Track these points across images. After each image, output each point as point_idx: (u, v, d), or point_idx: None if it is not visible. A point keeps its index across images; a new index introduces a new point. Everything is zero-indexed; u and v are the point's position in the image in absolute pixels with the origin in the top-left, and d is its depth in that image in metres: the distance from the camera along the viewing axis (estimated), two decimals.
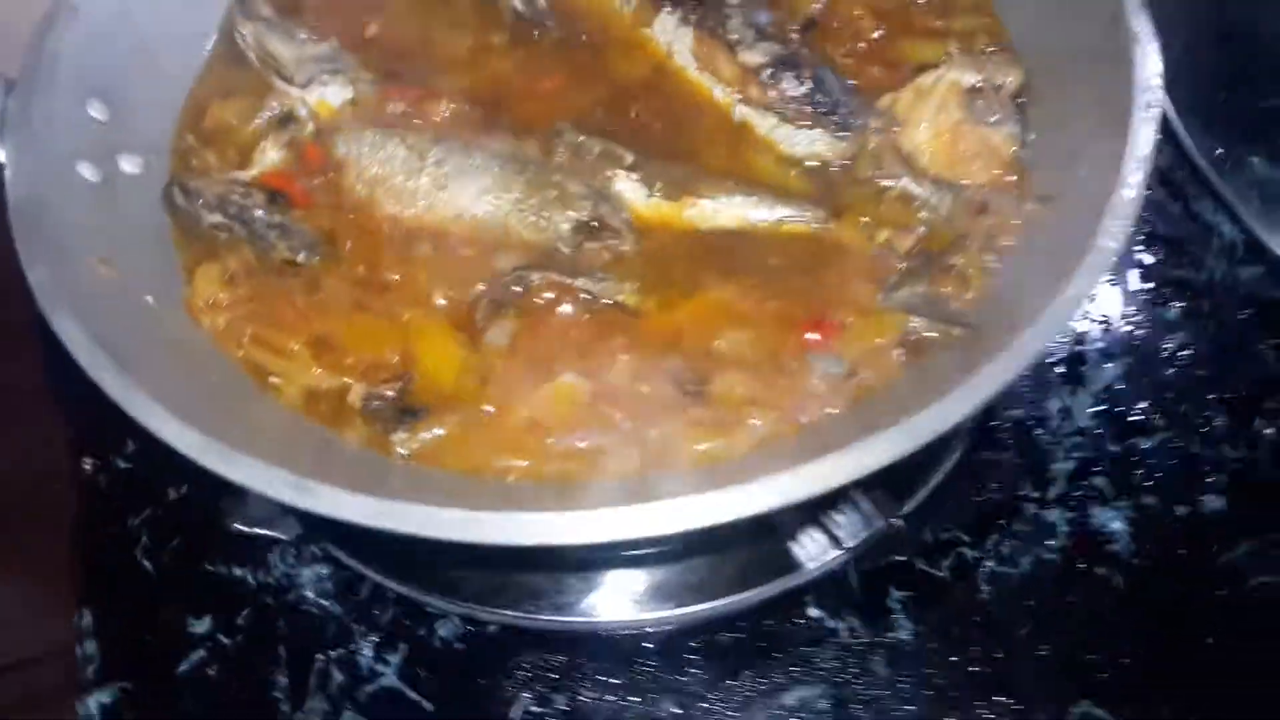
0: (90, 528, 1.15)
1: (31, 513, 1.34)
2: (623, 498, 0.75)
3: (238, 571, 1.11)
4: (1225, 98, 1.33)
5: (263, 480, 0.73)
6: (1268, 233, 1.23)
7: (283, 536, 1.07)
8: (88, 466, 1.18)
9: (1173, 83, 1.28)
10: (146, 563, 1.12)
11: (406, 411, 0.90)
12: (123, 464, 1.19)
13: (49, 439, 1.29)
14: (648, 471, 0.85)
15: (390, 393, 0.91)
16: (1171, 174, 1.31)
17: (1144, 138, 0.86)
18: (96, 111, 1.04)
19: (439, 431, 0.89)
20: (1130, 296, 1.24)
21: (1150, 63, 0.90)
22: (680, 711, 1.05)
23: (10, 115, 0.96)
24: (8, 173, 0.93)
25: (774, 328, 0.93)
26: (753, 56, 1.06)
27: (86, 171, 1.00)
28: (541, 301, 0.96)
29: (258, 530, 1.04)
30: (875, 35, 1.10)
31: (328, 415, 0.92)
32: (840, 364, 0.89)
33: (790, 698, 1.04)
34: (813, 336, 0.91)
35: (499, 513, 0.70)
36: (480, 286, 0.97)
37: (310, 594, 1.09)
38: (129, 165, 1.05)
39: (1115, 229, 0.81)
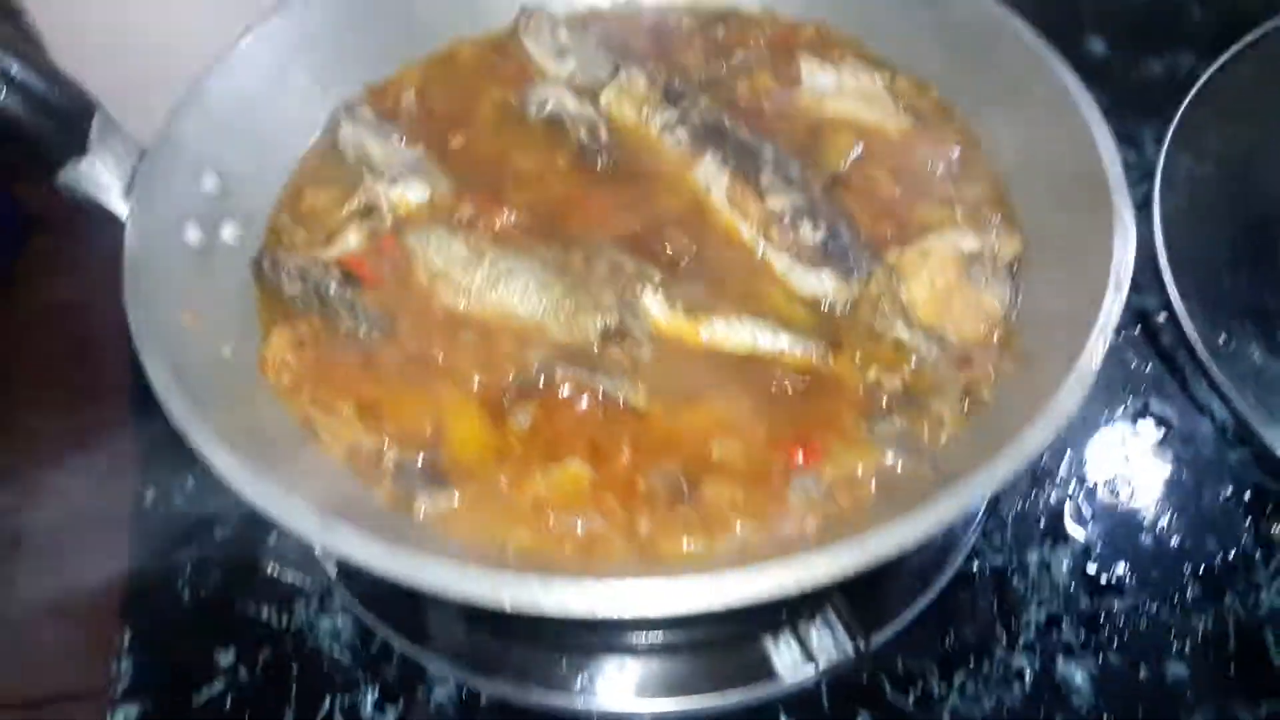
0: (143, 554, 1.27)
1: (88, 551, 1.45)
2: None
3: (265, 613, 1.21)
4: (1229, 287, 1.41)
5: (294, 515, 0.84)
6: (1259, 420, 1.29)
7: (308, 587, 1.18)
8: (149, 497, 1.31)
9: (1179, 269, 1.39)
10: (186, 593, 1.23)
11: (432, 479, 1.01)
12: (180, 499, 1.31)
13: (120, 481, 1.42)
14: (633, 560, 0.94)
15: (419, 460, 1.02)
16: (1173, 353, 1.40)
17: (1109, 314, 0.96)
18: (209, 184, 1.21)
19: (457, 500, 0.99)
20: (1120, 463, 1.31)
21: (1129, 244, 1.01)
22: None
23: (139, 178, 1.13)
24: (127, 228, 1.09)
25: (764, 444, 1.02)
26: (777, 202, 1.19)
27: (192, 235, 1.16)
28: (562, 394, 1.07)
29: (291, 578, 1.15)
30: (893, 195, 1.22)
31: (363, 471, 1.03)
32: (819, 485, 0.98)
33: None
34: (798, 457, 1.01)
35: (486, 570, 0.79)
36: (511, 375, 1.09)
37: (326, 642, 1.19)
38: (229, 234, 1.21)
39: (1070, 398, 0.90)
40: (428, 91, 1.42)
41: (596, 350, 1.11)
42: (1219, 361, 1.34)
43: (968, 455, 0.96)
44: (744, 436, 1.03)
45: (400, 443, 1.05)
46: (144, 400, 0.94)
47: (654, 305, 1.14)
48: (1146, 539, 1.23)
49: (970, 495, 0.83)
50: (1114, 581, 1.19)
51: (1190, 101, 1.53)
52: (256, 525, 1.25)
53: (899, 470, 0.99)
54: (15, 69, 1.01)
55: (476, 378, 1.10)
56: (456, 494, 1.00)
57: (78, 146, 1.08)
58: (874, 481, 0.99)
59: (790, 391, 1.06)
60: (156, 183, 1.13)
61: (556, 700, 1.18)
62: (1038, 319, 1.07)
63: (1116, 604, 1.18)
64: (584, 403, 1.06)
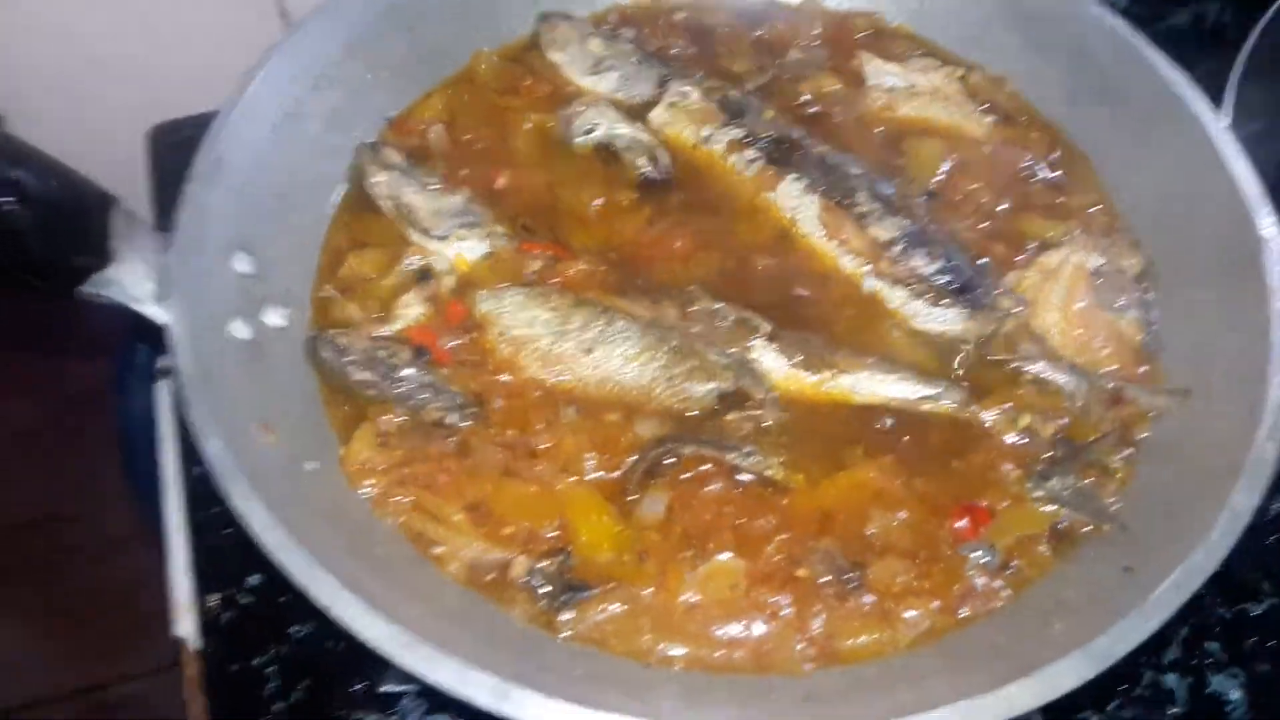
0: (218, 667, 1.14)
1: None
2: (801, 704, 0.77)
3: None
4: None
5: (465, 684, 0.75)
6: None
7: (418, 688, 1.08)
8: (213, 604, 1.18)
9: None
10: (276, 705, 1.11)
11: (570, 588, 0.92)
12: (245, 599, 1.19)
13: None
14: (814, 670, 0.86)
15: (552, 567, 0.93)
16: None
17: None
18: (242, 265, 1.06)
19: (606, 612, 0.90)
20: None
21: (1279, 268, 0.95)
22: None
23: (170, 276, 0.98)
24: (173, 338, 0.94)
25: (922, 512, 0.95)
26: (883, 231, 1.10)
27: (239, 330, 1.02)
28: (691, 475, 0.98)
29: (404, 687, 1.04)
30: (997, 211, 1.14)
31: (492, 589, 0.93)
32: (994, 554, 0.92)
33: None
34: (962, 524, 0.94)
35: None
36: (631, 457, 0.99)
37: None
38: (275, 318, 1.07)
39: (1269, 441, 0.85)
40: (456, 122, 1.27)
41: (714, 419, 1.02)
42: None
43: (1151, 508, 0.91)
44: (900, 504, 0.96)
45: (525, 549, 0.95)
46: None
47: (767, 360, 1.05)
48: (1271, 538, 1.20)
49: (1201, 569, 0.78)
50: (1248, 587, 1.17)
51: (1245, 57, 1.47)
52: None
53: (1073, 528, 0.93)
54: (26, 180, 0.85)
55: (590, 461, 1.00)
56: (603, 605, 0.91)
57: (101, 254, 0.93)
58: (1048, 541, 0.93)
59: (936, 448, 0.99)
60: (190, 276, 0.99)
61: None
62: (1182, 346, 1.01)
63: (1255, 610, 1.15)
64: (718, 483, 0.97)
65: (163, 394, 1.44)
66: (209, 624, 1.17)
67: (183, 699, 1.18)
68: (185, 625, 1.21)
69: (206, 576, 1.20)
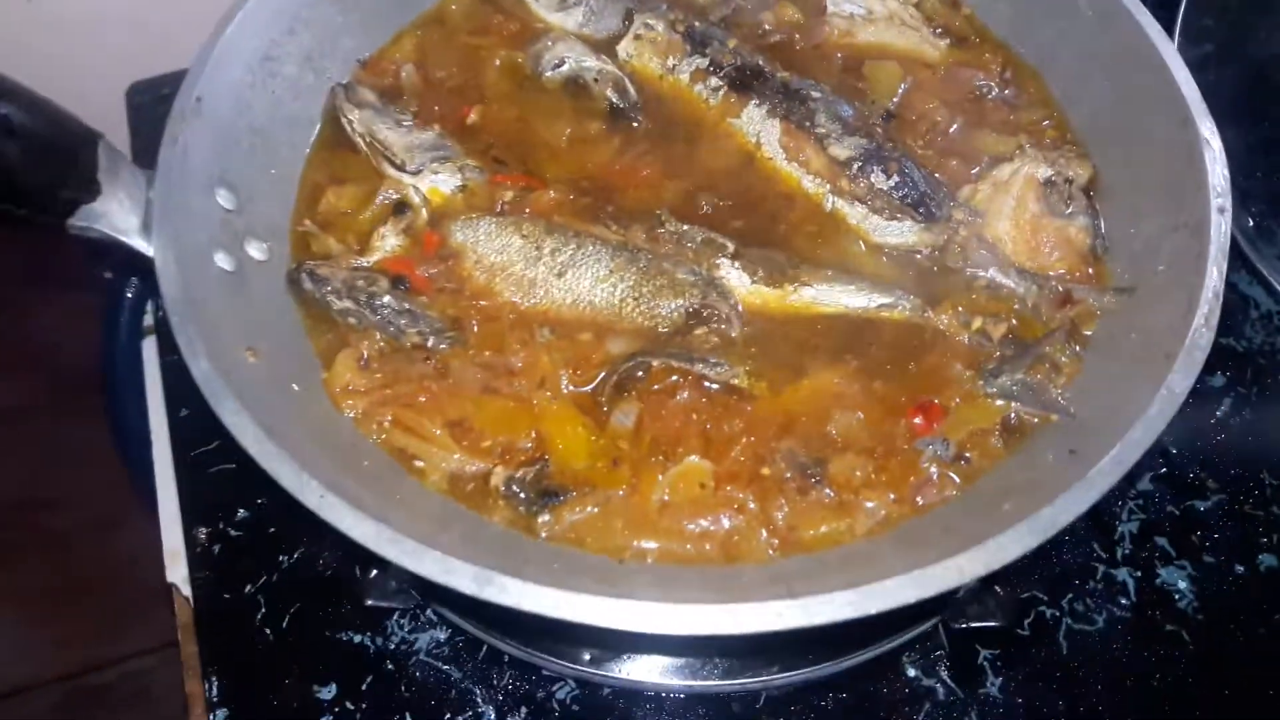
0: (210, 597, 1.19)
1: None
2: (768, 585, 0.83)
3: (358, 639, 1.16)
4: (1259, 174, 1.42)
5: (449, 573, 0.79)
6: None
7: (404, 606, 1.13)
8: (202, 536, 1.23)
9: None
10: (268, 630, 1.16)
11: (547, 494, 0.96)
12: (234, 532, 1.24)
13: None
14: (779, 557, 0.92)
15: (529, 476, 0.97)
16: None
17: (1220, 239, 0.95)
18: (224, 200, 1.10)
19: (581, 514, 0.95)
20: None
21: (1219, 167, 0.99)
22: None
23: (155, 210, 1.01)
24: (159, 269, 0.98)
25: (881, 411, 1.00)
26: (841, 150, 1.14)
27: (222, 261, 1.06)
28: (660, 386, 1.03)
29: (388, 603, 1.09)
30: (951, 129, 1.18)
31: (472, 497, 0.98)
32: (948, 447, 0.97)
33: None
34: (918, 421, 0.99)
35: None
36: (602, 372, 1.03)
37: (429, 659, 1.15)
38: (256, 251, 1.11)
39: (1204, 328, 0.89)
40: (427, 61, 1.31)
41: (682, 333, 1.06)
42: (1255, 248, 1.37)
43: (1096, 397, 0.96)
44: (858, 406, 1.00)
45: (503, 460, 1.00)
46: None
47: (733, 277, 1.09)
48: (1218, 437, 1.26)
49: (1135, 448, 0.83)
50: (1195, 485, 1.22)
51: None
52: (334, 549, 1.21)
53: (1024, 420, 0.98)
54: (14, 114, 0.88)
55: (565, 378, 1.04)
56: (578, 508, 0.96)
57: (88, 188, 0.96)
58: (999, 435, 0.98)
59: (893, 352, 1.03)
60: (173, 210, 1.02)
61: (676, 680, 1.16)
62: (1128, 248, 1.06)
63: (1201, 506, 1.21)
64: (685, 393, 1.02)
65: (148, 350, 1.48)
66: (199, 558, 1.22)
67: (180, 663, 1.23)
68: (177, 571, 1.26)
69: (195, 514, 1.25)
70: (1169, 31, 1.44)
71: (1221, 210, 0.96)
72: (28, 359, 1.96)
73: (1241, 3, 1.56)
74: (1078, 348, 1.01)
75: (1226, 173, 0.99)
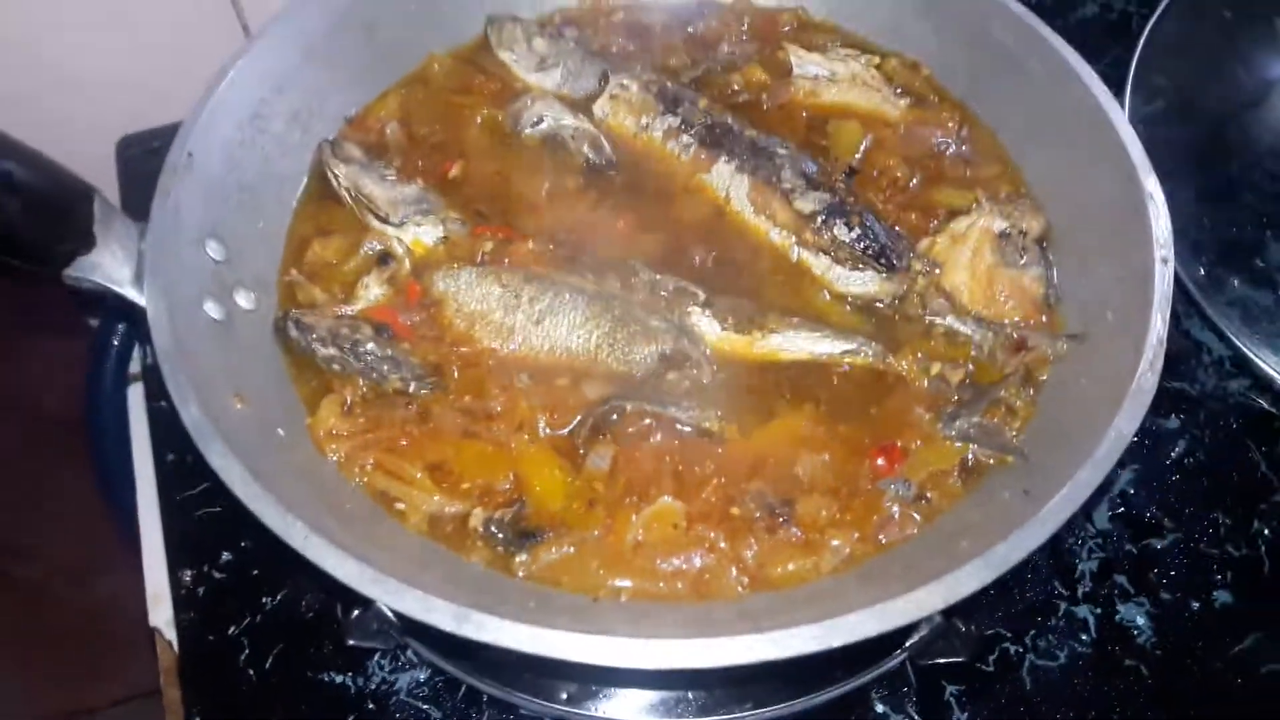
0: (194, 639, 1.21)
1: None
2: (738, 620, 0.86)
3: (340, 679, 1.18)
4: (1208, 224, 1.49)
5: (429, 611, 0.82)
6: (1250, 348, 1.37)
7: (385, 646, 1.15)
8: (186, 579, 1.25)
9: None
10: (251, 671, 1.18)
11: (524, 534, 1.00)
12: (218, 575, 1.26)
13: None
14: (749, 595, 0.95)
15: (507, 517, 1.01)
16: None
17: (1163, 288, 1.00)
18: (214, 252, 1.14)
19: (556, 554, 0.98)
20: None
21: (1163, 220, 1.05)
22: None
23: (147, 261, 1.05)
24: (151, 318, 1.02)
25: (845, 453, 1.04)
26: (806, 204, 1.20)
27: (212, 310, 1.09)
28: (634, 429, 1.07)
29: (369, 643, 1.11)
30: (911, 184, 1.24)
31: (452, 538, 1.01)
32: (909, 487, 1.01)
33: None
34: (881, 462, 1.03)
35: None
36: (578, 416, 1.07)
37: (410, 699, 1.16)
38: (244, 300, 1.15)
39: (1149, 373, 0.94)
40: (411, 118, 1.36)
41: (655, 378, 1.11)
42: (1205, 296, 1.42)
43: (1048, 439, 1.01)
44: (824, 448, 1.05)
45: (481, 502, 1.03)
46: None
47: (703, 324, 1.14)
48: (1173, 477, 1.31)
49: (1086, 485, 0.87)
50: (1152, 524, 1.27)
51: (1143, 45, 1.59)
52: (321, 591, 1.22)
53: (981, 461, 1.03)
54: (15, 171, 0.92)
55: (542, 421, 1.08)
56: (555, 548, 0.99)
57: (84, 240, 1.01)
58: (958, 476, 1.02)
59: (856, 397, 1.08)
60: (165, 260, 1.06)
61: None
62: (1079, 296, 1.11)
63: (1158, 544, 1.25)
64: (658, 435, 1.06)
65: (134, 396, 1.51)
66: (184, 600, 1.24)
67: (162, 709, 1.24)
68: (160, 614, 1.28)
69: (180, 557, 1.27)
70: (1120, 89, 1.54)
71: (1165, 261, 1.02)
72: (6, 402, 1.97)
73: (1191, 62, 1.65)
74: (1031, 392, 1.06)
75: (1169, 225, 1.05)
